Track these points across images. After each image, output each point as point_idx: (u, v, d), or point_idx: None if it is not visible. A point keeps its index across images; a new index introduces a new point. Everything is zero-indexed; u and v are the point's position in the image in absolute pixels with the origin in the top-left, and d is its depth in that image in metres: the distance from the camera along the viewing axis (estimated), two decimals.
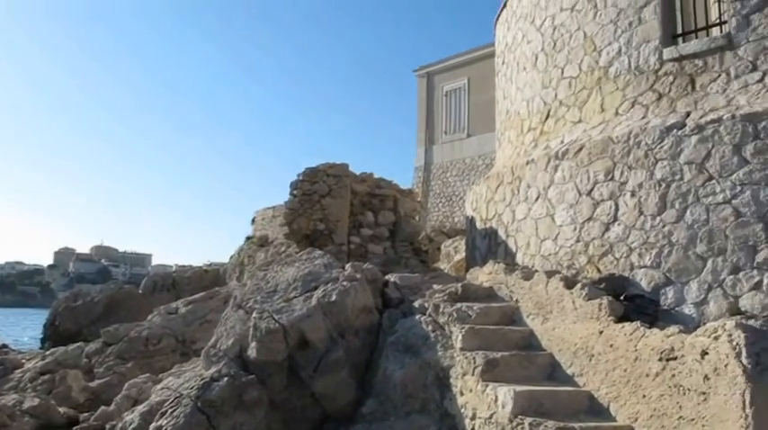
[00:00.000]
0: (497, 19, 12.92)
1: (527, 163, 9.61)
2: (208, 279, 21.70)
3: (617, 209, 8.04)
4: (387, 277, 9.58)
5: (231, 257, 21.87)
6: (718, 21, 8.66)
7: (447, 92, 27.05)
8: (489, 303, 8.48)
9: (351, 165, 14.64)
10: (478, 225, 11.06)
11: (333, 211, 13.49)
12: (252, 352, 8.02)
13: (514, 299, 8.42)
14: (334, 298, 8.41)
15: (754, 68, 7.70)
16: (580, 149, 8.61)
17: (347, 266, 9.36)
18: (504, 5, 12.39)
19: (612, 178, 8.14)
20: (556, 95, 9.97)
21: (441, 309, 8.19)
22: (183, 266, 28.01)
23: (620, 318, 6.93)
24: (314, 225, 13.66)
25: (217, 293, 15.02)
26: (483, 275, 9.32)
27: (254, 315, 8.36)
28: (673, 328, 6.33)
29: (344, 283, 8.68)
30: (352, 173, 14.55)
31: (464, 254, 12.84)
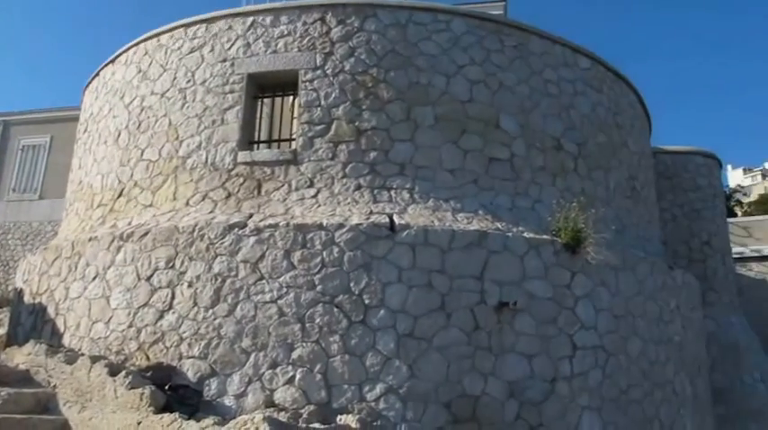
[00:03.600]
0: (87, 86, 12.44)
1: (90, 239, 9.18)
2: None
3: (173, 297, 8.09)
4: None
5: None
6: (290, 137, 9.62)
7: (24, 146, 24.76)
8: (22, 388, 7.71)
9: None
10: (27, 299, 10.08)
11: None
12: None
13: (52, 384, 7.79)
14: None
15: (311, 185, 8.67)
16: (146, 234, 8.55)
17: None
18: (97, 74, 12.01)
19: (173, 267, 8.22)
20: (132, 175, 9.84)
21: None
22: None
23: (163, 409, 6.87)
24: None
25: None
26: (21, 356, 8.46)
27: None
28: (208, 420, 6.49)
29: None
30: None
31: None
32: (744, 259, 24.26)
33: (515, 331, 8.01)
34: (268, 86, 9.82)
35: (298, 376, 7.48)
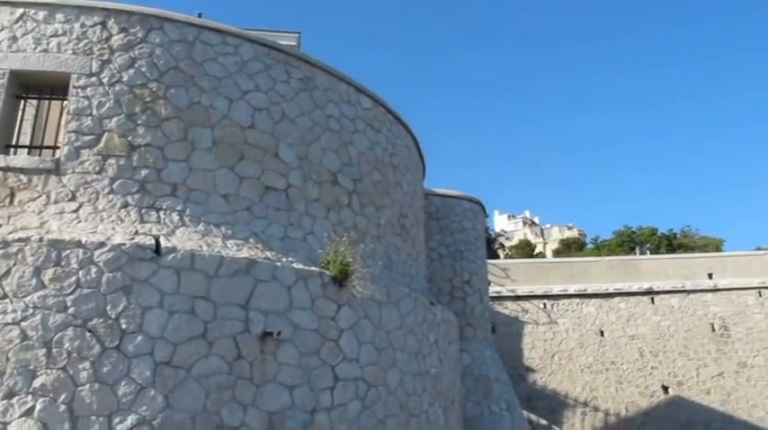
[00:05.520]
0: None
1: None
2: None
3: None
4: None
5: None
6: (55, 145, 8.89)
7: None
8: None
9: None
10: None
11: None
12: None
13: None
14: None
15: (73, 198, 8.08)
16: None
17: None
18: None
19: None
20: None
21: None
22: None
23: None
24: None
25: None
26: None
27: None
28: None
29: None
30: None
31: None
32: (501, 298, 26.49)
33: (278, 361, 8.00)
34: (34, 87, 9.04)
35: (38, 407, 6.84)
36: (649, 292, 28.14)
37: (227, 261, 7.96)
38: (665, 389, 26.55)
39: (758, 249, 39.73)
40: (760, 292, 28.39)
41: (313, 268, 8.72)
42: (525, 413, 20.01)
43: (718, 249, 52.38)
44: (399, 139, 12.03)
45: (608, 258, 33.36)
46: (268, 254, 8.53)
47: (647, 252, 47.22)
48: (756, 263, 29.73)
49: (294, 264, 8.58)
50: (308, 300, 8.44)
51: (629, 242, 58.40)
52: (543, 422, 24.38)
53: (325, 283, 8.68)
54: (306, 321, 8.35)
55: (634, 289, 28.12)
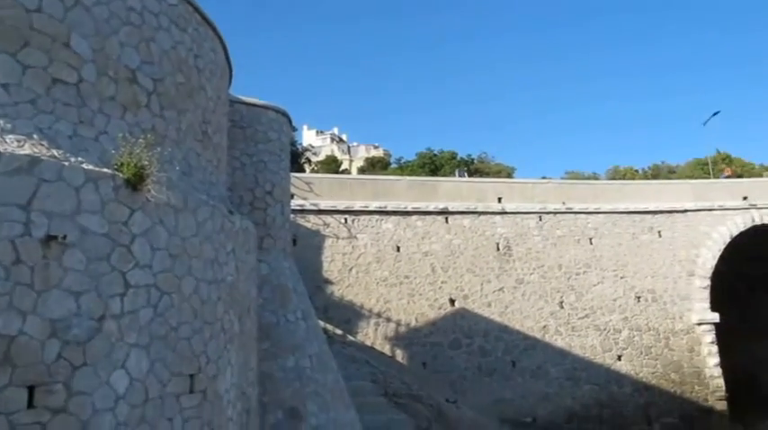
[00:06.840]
0: None
1: None
2: None
3: None
4: None
5: None
6: None
7: None
8: None
9: None
10: None
11: None
12: None
13: None
14: None
15: None
16: None
17: None
18: None
19: None
20: None
21: None
22: None
23: None
24: None
25: None
26: None
27: None
28: None
29: None
30: None
31: None
32: (304, 211, 26.87)
33: (63, 267, 7.55)
34: None
35: None
36: (444, 212, 29.92)
37: (5, 157, 7.26)
38: (452, 301, 28.74)
39: (543, 178, 43.42)
40: (540, 217, 31.26)
41: (105, 170, 8.23)
42: (321, 323, 20.79)
43: (509, 176, 56.55)
44: (206, 42, 11.50)
45: (409, 178, 34.87)
46: (54, 152, 7.91)
47: (465, 175, 50.23)
48: (539, 190, 32.58)
49: (84, 165, 8.03)
50: (98, 203, 7.99)
51: (429, 164, 61.13)
52: (339, 331, 25.53)
53: (118, 186, 8.25)
54: (95, 225, 7.91)
55: (431, 208, 29.74)
